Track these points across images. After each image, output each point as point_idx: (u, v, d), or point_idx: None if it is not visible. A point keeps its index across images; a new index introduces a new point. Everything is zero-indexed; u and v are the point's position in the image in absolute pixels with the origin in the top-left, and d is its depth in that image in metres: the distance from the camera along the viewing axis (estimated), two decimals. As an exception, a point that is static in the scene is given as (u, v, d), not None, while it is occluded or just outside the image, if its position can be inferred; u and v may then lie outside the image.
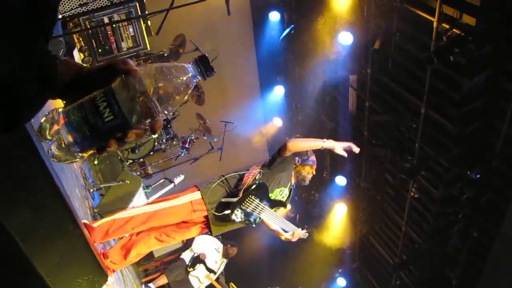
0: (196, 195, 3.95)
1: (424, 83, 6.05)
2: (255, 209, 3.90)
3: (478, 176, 5.66)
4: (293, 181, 4.28)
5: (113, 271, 4.15)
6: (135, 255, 4.13)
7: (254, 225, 4.09)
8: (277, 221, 4.20)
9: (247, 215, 3.89)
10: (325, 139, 4.08)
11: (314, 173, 4.38)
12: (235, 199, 3.84)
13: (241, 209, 3.83)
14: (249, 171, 4.07)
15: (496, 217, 5.76)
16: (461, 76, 5.36)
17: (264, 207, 3.94)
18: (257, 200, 3.87)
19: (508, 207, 5.43)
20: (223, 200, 3.94)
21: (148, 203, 4.14)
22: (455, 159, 5.94)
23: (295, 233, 4.32)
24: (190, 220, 4.05)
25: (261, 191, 3.91)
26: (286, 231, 4.39)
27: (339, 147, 4.06)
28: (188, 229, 4.14)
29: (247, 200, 3.83)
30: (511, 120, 5.04)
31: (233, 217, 3.84)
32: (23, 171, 1.74)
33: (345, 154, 4.15)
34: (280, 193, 4.13)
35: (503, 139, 5.23)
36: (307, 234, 4.47)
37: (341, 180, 8.77)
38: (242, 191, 3.86)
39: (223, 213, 3.87)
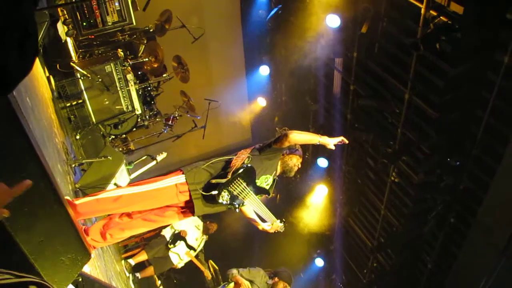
0: (181, 178, 3.93)
1: (409, 69, 6.08)
2: (241, 193, 3.89)
3: (457, 163, 5.75)
4: (278, 171, 4.27)
5: (94, 248, 4.15)
6: (116, 238, 4.13)
7: (237, 210, 4.10)
8: (259, 209, 4.21)
9: (232, 198, 3.88)
10: (321, 135, 4.07)
11: (300, 166, 4.39)
12: (223, 180, 3.84)
13: (228, 191, 3.82)
14: (237, 155, 4.06)
15: (473, 205, 5.87)
16: (446, 64, 5.39)
17: (249, 192, 3.94)
18: (244, 184, 3.87)
19: (484, 194, 5.54)
20: (212, 181, 3.93)
21: (132, 184, 4.11)
22: (436, 145, 6.02)
23: (274, 224, 4.34)
24: (174, 204, 4.05)
25: (249, 176, 3.91)
26: (264, 221, 4.40)
27: (332, 143, 4.07)
28: (172, 214, 4.13)
29: (235, 182, 3.81)
30: (492, 109, 5.12)
31: (220, 199, 3.82)
32: (8, 149, 1.72)
33: (334, 148, 4.15)
34: (266, 181, 4.13)
35: (483, 128, 5.30)
36: (283, 228, 4.50)
37: (322, 162, 8.83)
38: (231, 173, 3.85)
39: (210, 193, 3.84)
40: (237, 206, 3.99)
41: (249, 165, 3.92)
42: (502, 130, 5.11)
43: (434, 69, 5.67)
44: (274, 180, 4.26)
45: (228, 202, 3.89)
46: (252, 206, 4.14)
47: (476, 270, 5.93)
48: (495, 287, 5.58)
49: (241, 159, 3.97)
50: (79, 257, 2.14)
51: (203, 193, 3.85)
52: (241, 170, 3.83)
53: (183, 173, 3.96)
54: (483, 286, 5.77)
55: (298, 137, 3.95)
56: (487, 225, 5.57)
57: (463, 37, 4.94)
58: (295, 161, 4.29)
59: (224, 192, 3.81)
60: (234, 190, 3.84)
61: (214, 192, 3.80)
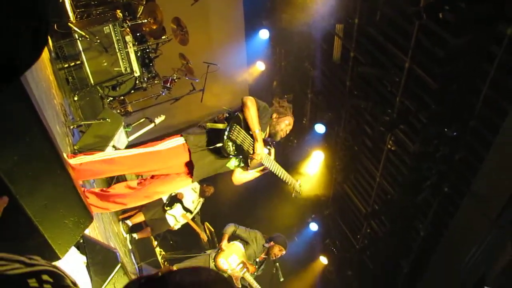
0: (180, 140, 3.95)
1: (410, 38, 6.04)
2: (243, 141, 3.95)
3: (454, 134, 5.78)
4: (267, 133, 4.29)
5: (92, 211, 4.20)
6: (115, 206, 4.18)
7: (248, 167, 4.14)
8: (271, 166, 4.25)
9: (237, 149, 3.93)
10: (259, 131, 3.97)
11: (287, 132, 4.40)
12: (221, 126, 3.86)
13: (230, 140, 3.85)
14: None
15: (468, 175, 5.93)
16: (449, 33, 5.35)
17: (251, 139, 3.99)
18: (243, 131, 3.92)
19: (480, 165, 5.60)
20: (209, 125, 3.95)
21: (132, 147, 4.13)
22: (434, 115, 6.03)
23: (292, 185, 4.38)
24: (172, 171, 4.08)
25: (242, 124, 3.95)
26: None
27: (260, 147, 4.00)
28: (172, 181, 4.17)
29: (233, 128, 3.85)
30: (492, 82, 5.11)
31: (227, 149, 3.86)
32: (11, 113, 1.73)
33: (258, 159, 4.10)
34: None
35: (482, 100, 5.31)
36: (300, 191, 4.60)
37: (320, 128, 8.85)
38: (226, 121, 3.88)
39: (214, 146, 3.87)
40: (245, 162, 4.06)
41: (236, 113, 3.94)
42: (501, 103, 5.12)
43: (436, 39, 5.63)
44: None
45: (235, 154, 3.94)
46: (265, 163, 4.17)
47: (467, 239, 6.03)
48: (485, 256, 5.70)
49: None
50: (81, 219, 2.18)
51: (208, 147, 3.89)
52: (232, 118, 3.88)
53: (181, 136, 3.98)
54: (473, 254, 5.89)
55: (249, 105, 3.90)
56: (480, 196, 5.64)
57: (467, 7, 4.88)
58: (282, 127, 4.32)
59: (228, 142, 3.83)
60: (237, 138, 3.88)
61: (219, 144, 3.83)
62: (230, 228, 6.37)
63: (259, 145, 3.99)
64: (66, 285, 1.00)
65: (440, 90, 5.76)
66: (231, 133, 3.84)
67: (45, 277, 0.95)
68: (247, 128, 3.99)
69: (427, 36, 5.80)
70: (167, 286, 1.12)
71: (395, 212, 7.42)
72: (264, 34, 9.51)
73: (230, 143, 3.86)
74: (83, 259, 2.75)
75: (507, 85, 5.01)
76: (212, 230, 8.22)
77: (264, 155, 4.09)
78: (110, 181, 6.26)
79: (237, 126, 3.89)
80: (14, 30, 0.91)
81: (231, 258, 6.19)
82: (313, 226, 10.28)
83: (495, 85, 5.12)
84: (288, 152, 10.34)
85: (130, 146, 6.25)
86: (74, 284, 1.02)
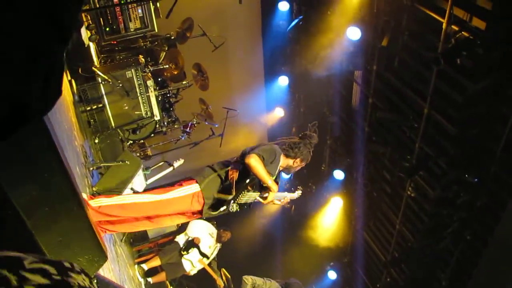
0: (195, 188, 4.05)
1: (428, 84, 6.06)
2: (248, 199, 4.07)
3: (475, 180, 5.69)
4: (280, 167, 4.34)
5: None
6: (121, 229, 4.30)
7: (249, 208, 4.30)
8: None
9: (241, 205, 4.07)
10: (271, 181, 4.05)
11: (300, 167, 4.54)
12: (229, 197, 3.99)
13: (235, 202, 3.96)
14: (233, 164, 4.13)
15: (490, 222, 5.80)
16: (467, 79, 5.36)
17: (256, 195, 4.10)
18: (249, 192, 4.00)
19: (502, 212, 5.48)
20: (216, 196, 4.08)
21: (147, 192, 4.21)
22: (454, 161, 5.97)
23: (284, 200, 4.38)
24: (187, 211, 4.17)
25: (252, 184, 3.99)
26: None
27: (273, 196, 4.12)
28: (180, 216, 4.26)
29: (240, 196, 3.96)
30: (512, 126, 5.07)
31: (230, 209, 3.99)
32: (32, 148, 1.76)
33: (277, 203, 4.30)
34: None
35: (503, 144, 5.25)
36: (300, 193, 4.66)
37: (339, 174, 8.80)
38: (234, 188, 3.97)
39: (218, 210, 4.05)
40: (248, 206, 4.22)
41: (252, 177, 4.02)
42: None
43: (454, 84, 5.64)
44: (277, 175, 4.33)
45: (239, 209, 4.08)
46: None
47: (492, 289, 5.86)
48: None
49: (236, 170, 4.05)
50: (96, 258, 2.17)
51: (212, 213, 4.10)
52: (244, 184, 3.97)
53: (197, 183, 4.04)
54: (498, 305, 5.70)
55: (254, 165, 3.96)
56: (504, 243, 5.50)
57: (484, 53, 4.91)
58: (298, 163, 4.48)
59: (232, 204, 3.96)
60: (241, 200, 4.01)
61: (223, 208, 4.03)
62: (248, 283, 6.21)
63: (271, 195, 4.11)
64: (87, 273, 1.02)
65: (459, 135, 5.73)
66: (237, 199, 3.97)
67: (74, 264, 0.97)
68: (258, 184, 4.11)
69: (445, 82, 5.82)
70: None
71: (415, 260, 7.24)
72: (283, 80, 9.64)
73: (234, 205, 3.98)
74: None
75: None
76: (229, 276, 8.09)
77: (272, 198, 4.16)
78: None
79: (244, 191, 3.98)
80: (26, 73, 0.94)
81: None
82: (332, 274, 10.06)
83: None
84: (307, 199, 10.26)
85: (146, 189, 6.29)
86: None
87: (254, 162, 3.95)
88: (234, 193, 3.95)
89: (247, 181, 3.96)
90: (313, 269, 10.20)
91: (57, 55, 1.02)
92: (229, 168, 4.14)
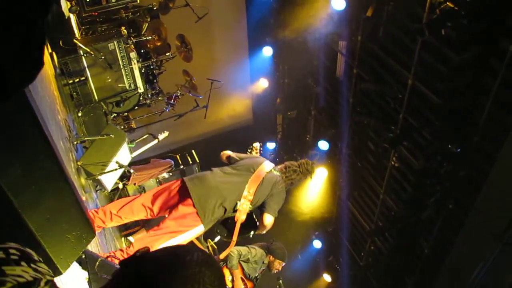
0: (200, 229, 4.18)
1: (413, 55, 6.06)
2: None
3: (458, 150, 5.76)
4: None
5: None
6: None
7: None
8: None
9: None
10: None
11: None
12: (228, 240, 4.47)
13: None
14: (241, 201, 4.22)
15: (472, 192, 5.90)
16: (451, 50, 5.37)
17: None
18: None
19: (484, 182, 5.56)
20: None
21: (157, 234, 4.24)
22: (437, 132, 6.02)
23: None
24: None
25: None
26: None
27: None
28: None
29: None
30: (495, 97, 5.11)
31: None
32: (16, 126, 1.74)
33: None
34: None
35: (486, 115, 5.30)
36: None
37: (323, 145, 8.84)
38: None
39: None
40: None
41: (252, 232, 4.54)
42: (504, 118, 5.11)
43: (438, 55, 5.65)
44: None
45: None
46: None
47: (472, 256, 5.98)
48: (490, 273, 5.64)
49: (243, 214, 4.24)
50: (84, 234, 2.16)
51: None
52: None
53: (201, 222, 4.13)
54: (478, 272, 5.83)
55: (269, 227, 4.34)
56: (485, 212, 5.60)
57: (469, 24, 4.91)
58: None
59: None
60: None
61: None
62: (234, 261, 6.24)
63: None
64: (32, 258, 0.99)
65: (443, 106, 5.77)
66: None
67: (12, 251, 0.95)
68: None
69: (430, 53, 5.83)
70: (145, 269, 1.07)
71: (399, 229, 7.37)
72: (267, 51, 9.58)
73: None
74: (85, 275, 2.73)
75: (510, 101, 5.01)
76: (215, 247, 8.16)
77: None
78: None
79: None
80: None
81: (230, 277, 6.17)
82: (317, 243, 10.21)
83: (498, 101, 5.12)
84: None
85: (133, 163, 6.27)
86: (40, 261, 1.00)
87: (271, 224, 4.27)
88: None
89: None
90: (299, 238, 10.33)
91: (35, 22, 0.98)
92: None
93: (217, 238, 5.76)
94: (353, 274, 9.67)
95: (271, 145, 11.06)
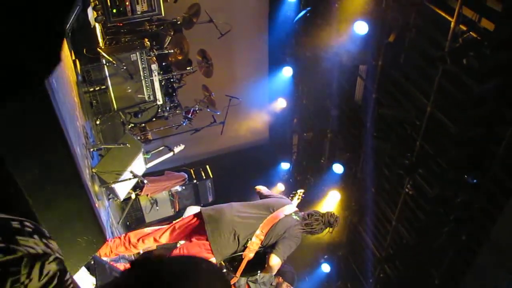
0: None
1: (433, 82, 6.04)
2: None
3: (474, 181, 5.69)
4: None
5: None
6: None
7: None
8: None
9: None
10: None
11: None
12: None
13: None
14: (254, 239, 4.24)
15: (486, 223, 5.81)
16: (472, 79, 5.35)
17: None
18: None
19: (499, 214, 5.49)
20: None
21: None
22: (454, 161, 5.97)
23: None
24: None
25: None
26: None
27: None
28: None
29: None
30: (515, 129, 5.07)
31: None
32: (37, 128, 1.76)
33: None
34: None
35: (504, 147, 5.25)
36: None
37: (338, 168, 8.81)
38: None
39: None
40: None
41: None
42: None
43: (459, 84, 5.63)
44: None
45: None
46: None
47: (484, 289, 5.88)
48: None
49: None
50: (94, 239, 2.17)
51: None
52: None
53: (213, 255, 4.17)
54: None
55: (275, 268, 4.29)
56: (499, 246, 5.51)
57: (491, 54, 4.89)
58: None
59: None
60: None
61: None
62: (242, 281, 6.21)
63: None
64: (45, 234, 1.02)
65: (460, 135, 5.72)
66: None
67: (27, 223, 1.00)
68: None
69: (450, 81, 5.81)
70: (159, 274, 1.07)
71: (410, 258, 7.27)
72: (287, 71, 9.61)
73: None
74: (92, 280, 2.73)
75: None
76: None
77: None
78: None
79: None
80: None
81: None
82: (325, 267, 10.10)
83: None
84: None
85: (147, 174, 6.30)
86: (52, 238, 1.03)
87: (277, 266, 4.21)
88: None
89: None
90: (307, 261, 10.23)
91: (55, 19, 1.01)
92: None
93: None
94: (360, 301, 9.55)
95: (285, 166, 11.05)
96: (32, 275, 0.91)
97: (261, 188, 4.88)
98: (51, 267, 0.96)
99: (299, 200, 4.94)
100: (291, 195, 5.03)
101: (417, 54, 6.37)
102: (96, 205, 4.78)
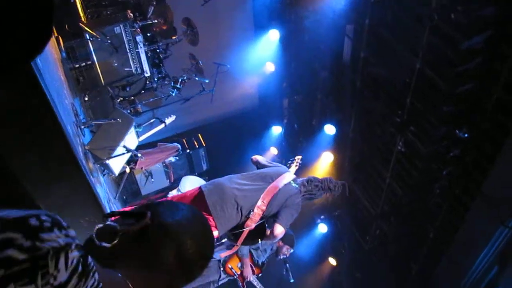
0: (215, 234, 4.22)
1: (421, 39, 6.01)
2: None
3: (465, 135, 5.75)
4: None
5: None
6: None
7: None
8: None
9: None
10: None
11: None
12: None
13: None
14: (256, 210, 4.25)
15: (479, 177, 5.90)
16: (460, 35, 5.33)
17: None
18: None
19: (491, 168, 5.56)
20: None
21: None
22: (444, 117, 6.00)
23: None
24: None
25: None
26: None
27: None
28: None
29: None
30: (504, 83, 5.08)
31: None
32: (33, 115, 1.74)
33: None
34: None
35: (494, 101, 5.28)
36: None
37: (329, 129, 8.83)
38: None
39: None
40: None
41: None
42: (512, 104, 5.10)
43: (447, 40, 5.60)
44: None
45: None
46: None
47: (477, 241, 6.01)
48: (496, 258, 5.67)
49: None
50: (96, 220, 2.18)
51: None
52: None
53: (216, 229, 4.16)
54: (483, 257, 5.87)
55: (278, 236, 4.31)
56: (491, 198, 5.62)
57: (479, 9, 4.86)
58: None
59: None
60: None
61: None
62: (245, 250, 6.29)
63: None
64: (62, 224, 1.07)
65: (451, 91, 5.74)
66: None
67: (44, 217, 1.02)
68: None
69: (439, 38, 5.78)
70: (148, 224, 1.22)
71: (404, 214, 7.39)
72: (273, 35, 9.51)
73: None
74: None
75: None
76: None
77: None
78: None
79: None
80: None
81: (240, 264, 6.21)
82: (322, 227, 10.25)
83: (507, 87, 5.09)
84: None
85: (139, 147, 6.29)
86: (69, 226, 1.08)
87: (281, 235, 4.25)
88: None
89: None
90: (304, 222, 10.36)
91: None
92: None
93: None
94: (358, 258, 9.73)
95: (277, 129, 11.06)
96: (59, 266, 0.97)
97: (258, 158, 4.88)
98: (74, 255, 1.02)
99: (297, 167, 4.95)
100: (289, 162, 5.04)
101: (404, 12, 6.31)
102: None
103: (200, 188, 4.32)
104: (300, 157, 5.07)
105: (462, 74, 5.51)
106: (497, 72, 5.11)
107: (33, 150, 1.74)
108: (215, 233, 4.18)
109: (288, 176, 4.47)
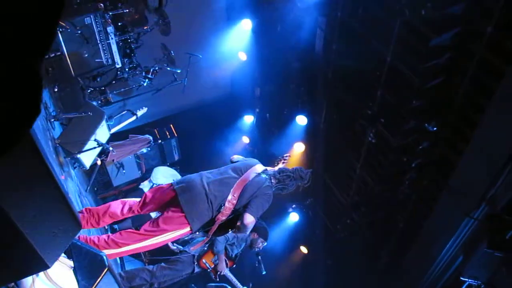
0: (187, 231, 4.30)
1: (392, 32, 6.07)
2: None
3: (434, 129, 5.87)
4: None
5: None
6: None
7: None
8: None
9: None
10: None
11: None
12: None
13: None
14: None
15: (446, 170, 6.04)
16: (430, 31, 5.40)
17: None
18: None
19: (458, 161, 5.70)
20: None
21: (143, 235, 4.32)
22: (414, 110, 6.11)
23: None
24: None
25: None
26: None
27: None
28: None
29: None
30: (471, 78, 5.20)
31: None
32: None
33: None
34: None
35: (462, 96, 5.40)
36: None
37: (301, 120, 8.88)
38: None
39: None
40: None
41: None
42: (479, 100, 5.21)
43: (418, 35, 5.68)
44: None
45: None
46: None
47: (444, 232, 6.16)
48: (462, 248, 5.83)
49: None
50: (70, 228, 2.17)
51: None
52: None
53: (189, 225, 4.21)
54: (449, 247, 6.03)
55: (249, 227, 4.32)
56: (458, 190, 5.76)
57: (449, 5, 4.94)
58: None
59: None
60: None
61: None
62: (221, 246, 6.30)
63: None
64: None
65: (421, 85, 5.83)
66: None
67: None
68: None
69: (410, 31, 5.85)
70: None
71: (375, 204, 7.53)
72: (246, 24, 9.46)
73: None
74: (69, 263, 2.74)
75: (485, 82, 5.10)
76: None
77: None
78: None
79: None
80: None
81: (214, 258, 6.25)
82: (293, 216, 10.35)
83: (475, 83, 5.21)
84: (268, 146, 10.37)
85: (111, 138, 6.23)
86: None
87: (251, 224, 4.25)
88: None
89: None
90: (275, 210, 10.44)
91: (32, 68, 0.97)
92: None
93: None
94: (329, 246, 9.88)
95: (249, 118, 11.07)
96: None
97: (235, 156, 4.94)
98: None
99: (284, 164, 4.96)
100: (277, 160, 5.04)
101: (376, 5, 6.36)
102: (62, 177, 4.73)
103: (171, 185, 4.34)
104: (288, 155, 5.09)
105: (431, 69, 5.60)
106: (465, 68, 5.22)
107: (7, 165, 1.72)
108: (188, 229, 4.20)
109: (258, 168, 4.51)
